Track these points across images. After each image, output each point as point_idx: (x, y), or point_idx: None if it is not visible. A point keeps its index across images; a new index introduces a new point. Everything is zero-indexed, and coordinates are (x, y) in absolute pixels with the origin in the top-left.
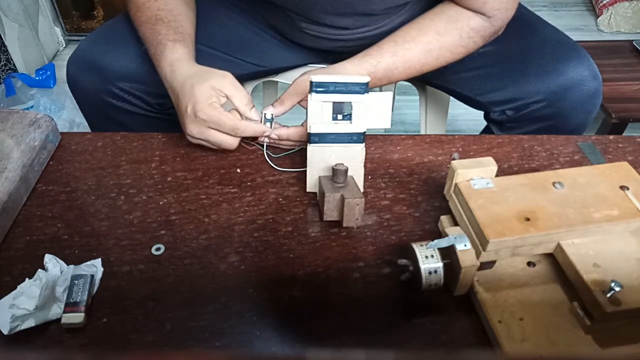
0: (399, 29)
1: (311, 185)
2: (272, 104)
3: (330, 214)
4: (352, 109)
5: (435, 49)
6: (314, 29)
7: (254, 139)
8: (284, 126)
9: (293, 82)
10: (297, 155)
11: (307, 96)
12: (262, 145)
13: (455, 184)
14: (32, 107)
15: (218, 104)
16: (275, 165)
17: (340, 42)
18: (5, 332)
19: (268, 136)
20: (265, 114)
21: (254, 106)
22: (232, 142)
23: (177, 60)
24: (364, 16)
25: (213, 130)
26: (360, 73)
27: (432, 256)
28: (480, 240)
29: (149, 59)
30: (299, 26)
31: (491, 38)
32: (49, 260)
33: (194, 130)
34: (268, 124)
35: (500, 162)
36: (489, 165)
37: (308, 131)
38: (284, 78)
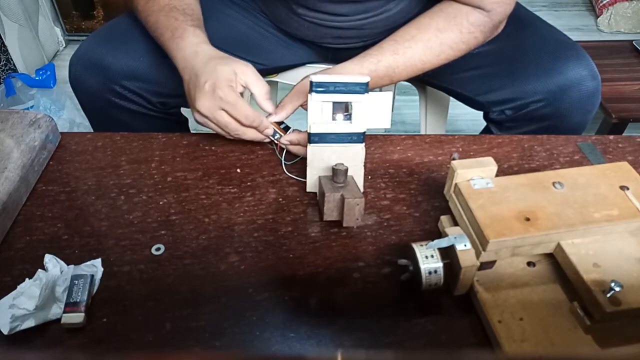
0: (399, 29)
1: (311, 185)
2: (273, 111)
3: (330, 214)
4: (352, 108)
5: (435, 45)
6: (311, 15)
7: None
8: (295, 130)
9: (295, 84)
10: (298, 157)
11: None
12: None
13: (455, 184)
14: (32, 107)
15: (237, 89)
16: (287, 171)
17: (338, 29)
18: (5, 332)
19: (279, 141)
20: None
21: (270, 98)
22: (236, 127)
23: (201, 43)
24: (360, 3)
25: (223, 111)
26: (362, 72)
27: (432, 256)
28: (480, 240)
29: (151, 57)
30: (296, 11)
31: (491, 33)
32: (49, 260)
33: (205, 104)
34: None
35: (500, 162)
36: (489, 165)
37: (308, 131)
38: (284, 78)
